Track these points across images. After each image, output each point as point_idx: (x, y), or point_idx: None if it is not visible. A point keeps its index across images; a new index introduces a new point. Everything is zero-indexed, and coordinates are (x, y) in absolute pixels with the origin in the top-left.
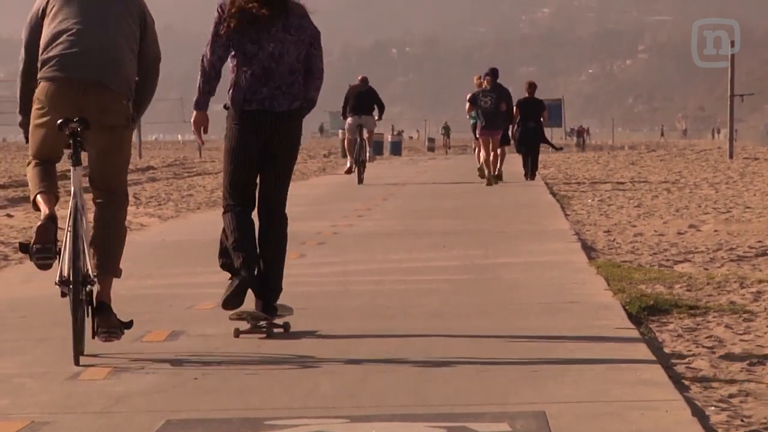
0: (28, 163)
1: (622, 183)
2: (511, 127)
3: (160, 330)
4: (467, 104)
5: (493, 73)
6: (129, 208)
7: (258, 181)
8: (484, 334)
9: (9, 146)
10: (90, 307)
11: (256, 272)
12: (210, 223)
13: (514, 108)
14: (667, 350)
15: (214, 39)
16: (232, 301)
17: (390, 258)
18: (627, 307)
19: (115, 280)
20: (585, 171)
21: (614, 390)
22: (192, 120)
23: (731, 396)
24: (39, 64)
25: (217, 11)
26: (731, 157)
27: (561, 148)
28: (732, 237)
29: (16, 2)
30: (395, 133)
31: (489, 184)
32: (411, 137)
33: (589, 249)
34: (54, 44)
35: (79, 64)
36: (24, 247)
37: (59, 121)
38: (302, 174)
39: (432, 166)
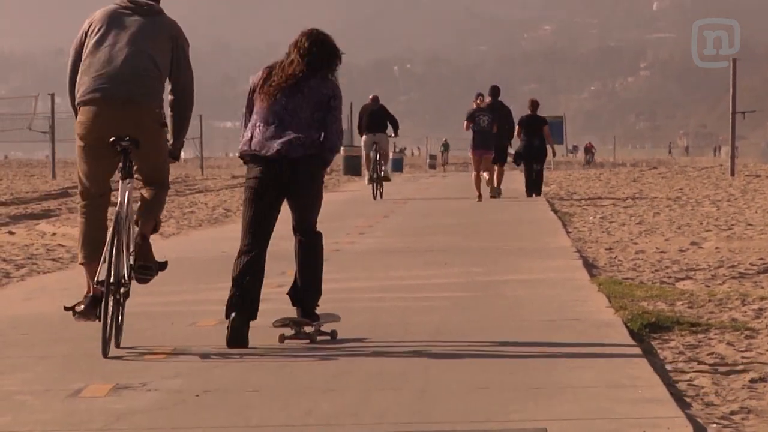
0: (81, 208)
1: (624, 200)
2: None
3: (162, 347)
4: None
5: (494, 90)
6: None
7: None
8: (486, 351)
9: (10, 163)
10: (125, 300)
11: (292, 283)
12: (211, 240)
13: (516, 126)
14: (668, 367)
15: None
16: (234, 342)
17: (391, 275)
18: (629, 324)
19: None
20: (587, 188)
21: (616, 407)
22: None
23: (733, 413)
24: (76, 89)
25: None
26: (733, 174)
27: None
28: (733, 254)
29: (15, 20)
30: (397, 150)
31: (478, 197)
32: (413, 153)
33: (590, 266)
34: (87, 67)
35: (109, 85)
36: (67, 308)
37: (111, 139)
38: None
39: (433, 183)
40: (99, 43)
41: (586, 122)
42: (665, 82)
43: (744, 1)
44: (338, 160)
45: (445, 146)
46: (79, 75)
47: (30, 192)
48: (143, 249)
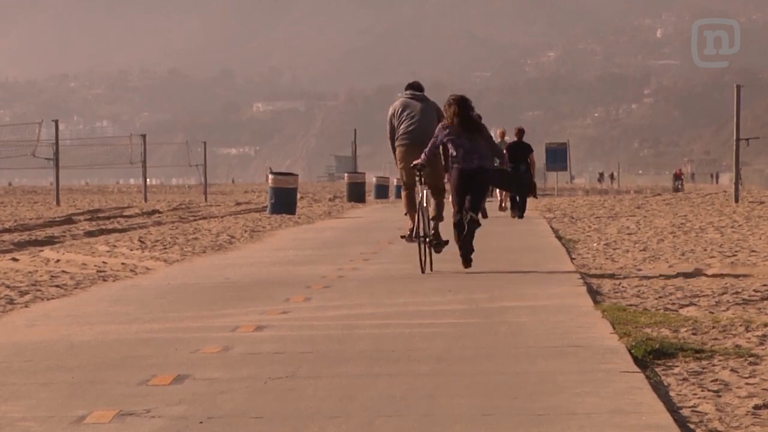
0: (403, 190)
1: (628, 226)
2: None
3: (165, 374)
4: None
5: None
6: (134, 252)
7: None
8: (490, 378)
9: (15, 190)
10: (430, 244)
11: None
12: (215, 267)
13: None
14: (672, 394)
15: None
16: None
17: (395, 302)
18: (632, 351)
19: (123, 325)
20: (591, 215)
21: None
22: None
23: None
24: (397, 136)
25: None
26: (737, 200)
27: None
28: (737, 281)
29: (19, 47)
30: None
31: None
32: None
33: (594, 293)
34: (400, 127)
35: (413, 137)
36: (402, 236)
37: (412, 164)
38: (308, 218)
39: None
40: (403, 117)
41: (589, 149)
42: (669, 108)
43: (749, 28)
44: (342, 186)
45: None
46: (397, 132)
47: (34, 218)
48: (437, 240)
